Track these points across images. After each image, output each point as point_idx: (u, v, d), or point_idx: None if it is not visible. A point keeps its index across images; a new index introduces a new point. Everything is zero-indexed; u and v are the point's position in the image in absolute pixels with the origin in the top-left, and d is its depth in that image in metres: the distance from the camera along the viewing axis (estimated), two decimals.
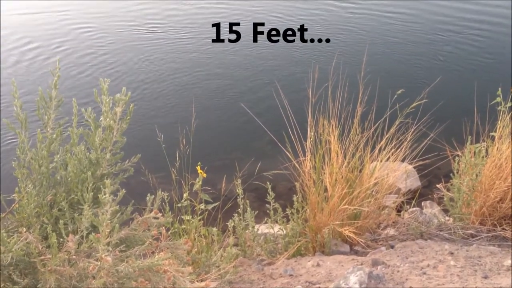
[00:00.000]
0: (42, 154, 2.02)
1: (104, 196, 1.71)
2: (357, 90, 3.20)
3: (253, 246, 3.06)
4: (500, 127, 3.27)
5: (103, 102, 2.03)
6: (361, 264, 2.60)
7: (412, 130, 3.17)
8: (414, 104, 3.17)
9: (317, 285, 2.47)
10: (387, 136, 3.12)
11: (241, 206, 2.96)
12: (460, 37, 8.19)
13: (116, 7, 9.99)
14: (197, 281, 2.13)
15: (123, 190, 1.89)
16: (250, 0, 9.99)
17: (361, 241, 3.02)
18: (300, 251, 3.05)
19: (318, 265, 2.71)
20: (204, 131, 5.49)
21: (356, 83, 3.21)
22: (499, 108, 3.33)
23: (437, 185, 4.27)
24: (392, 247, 2.95)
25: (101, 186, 1.84)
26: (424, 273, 2.44)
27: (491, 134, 3.35)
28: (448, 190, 3.50)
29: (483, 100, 3.50)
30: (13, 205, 2.01)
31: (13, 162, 2.02)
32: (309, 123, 3.10)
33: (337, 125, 3.08)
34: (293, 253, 2.99)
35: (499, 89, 3.33)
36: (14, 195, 2.02)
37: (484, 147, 3.27)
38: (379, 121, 3.17)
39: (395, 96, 3.19)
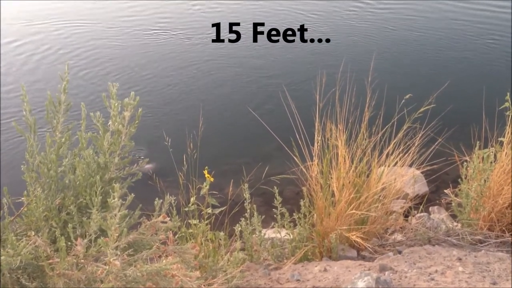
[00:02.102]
0: (51, 158, 2.03)
1: (113, 201, 1.71)
2: (365, 94, 3.19)
3: (260, 250, 3.05)
4: (509, 132, 3.24)
5: (112, 106, 2.04)
6: (369, 270, 2.59)
7: (420, 135, 3.15)
8: (422, 109, 3.16)
9: None
10: (394, 141, 3.11)
11: (248, 211, 2.96)
12: (469, 41, 8.15)
13: (113, 8, 9.97)
14: (204, 285, 2.13)
15: (132, 194, 1.90)
16: (251, 0, 9.97)
17: (369, 246, 3.01)
18: (307, 256, 3.04)
19: (325, 270, 2.70)
20: (211, 135, 5.50)
21: (363, 87, 3.20)
22: (507, 113, 3.31)
23: (445, 191, 4.24)
24: (400, 252, 2.93)
25: (109, 190, 1.85)
26: (432, 279, 2.42)
27: (499, 139, 3.33)
28: (456, 195, 3.48)
29: (492, 105, 3.48)
30: (22, 208, 2.02)
31: (22, 166, 2.03)
32: (316, 127, 3.09)
33: (344, 130, 3.07)
34: (300, 258, 2.98)
35: (508, 94, 3.31)
36: (22, 198, 2.04)
37: (492, 152, 3.25)
38: (386, 126, 3.16)
39: (403, 100, 3.18)
